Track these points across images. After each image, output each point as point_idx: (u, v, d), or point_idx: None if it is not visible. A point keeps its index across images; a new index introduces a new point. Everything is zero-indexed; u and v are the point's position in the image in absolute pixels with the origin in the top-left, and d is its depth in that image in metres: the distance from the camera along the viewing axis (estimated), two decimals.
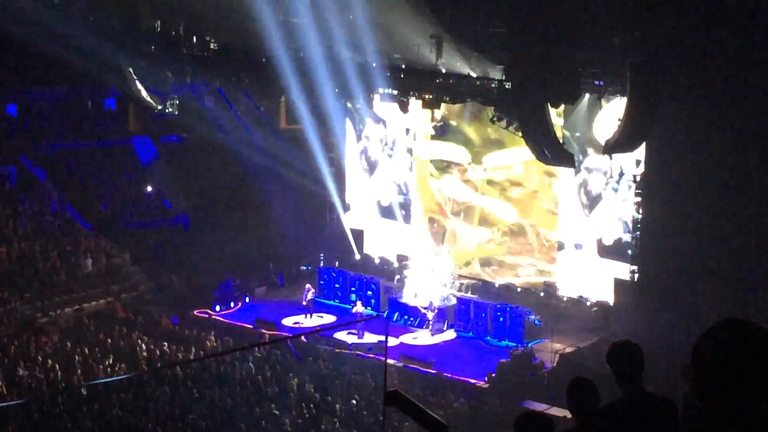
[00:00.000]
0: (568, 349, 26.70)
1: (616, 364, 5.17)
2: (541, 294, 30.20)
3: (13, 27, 29.92)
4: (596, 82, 24.31)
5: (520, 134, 25.96)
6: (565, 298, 29.94)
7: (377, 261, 34.42)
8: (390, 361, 25.85)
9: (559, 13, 22.24)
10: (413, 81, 27.71)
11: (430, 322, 29.17)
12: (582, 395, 5.42)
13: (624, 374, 5.15)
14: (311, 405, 22.93)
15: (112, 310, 30.91)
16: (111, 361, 25.89)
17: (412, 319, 29.90)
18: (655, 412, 5.11)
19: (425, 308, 29.45)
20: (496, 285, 31.27)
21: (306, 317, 30.65)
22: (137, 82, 32.31)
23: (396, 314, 30.45)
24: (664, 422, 5.05)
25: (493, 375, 25.56)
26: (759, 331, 2.45)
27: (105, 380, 24.09)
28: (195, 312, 31.05)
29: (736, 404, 2.44)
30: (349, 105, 33.97)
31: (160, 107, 35.07)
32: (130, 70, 31.76)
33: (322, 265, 34.00)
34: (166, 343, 27.28)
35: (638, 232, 28.00)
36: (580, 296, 29.63)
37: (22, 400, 22.84)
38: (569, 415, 5.64)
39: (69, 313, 30.60)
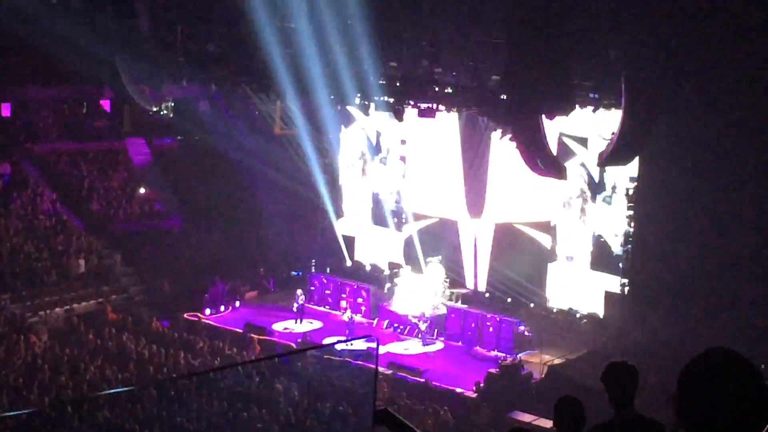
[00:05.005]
0: (557, 361, 26.74)
1: (613, 384, 5.10)
2: (531, 305, 30.21)
3: (9, 25, 29.87)
4: (591, 95, 24.32)
5: (514, 144, 25.99)
6: (555, 310, 29.96)
7: (368, 268, 34.40)
8: (378, 368, 25.81)
9: (555, 25, 22.26)
10: (408, 89, 27.73)
11: (422, 332, 29.13)
12: (569, 414, 5.44)
13: (619, 395, 5.09)
14: (299, 410, 22.88)
15: (102, 311, 30.85)
16: (100, 363, 25.82)
17: (401, 327, 29.88)
18: None
19: (417, 318, 29.42)
20: (486, 295, 31.30)
21: (296, 323, 30.65)
22: (132, 83, 32.23)
23: (386, 322, 30.45)
24: None
25: (482, 385, 25.55)
26: (743, 361, 2.47)
27: (109, 392, 23.91)
28: (185, 315, 31.00)
29: None
30: (342, 110, 33.93)
31: (155, 109, 35.04)
32: (126, 70, 31.70)
33: (313, 271, 33.98)
34: (155, 346, 27.23)
35: (630, 246, 28.07)
36: (570, 308, 29.65)
37: (12, 414, 22.67)
38: None
39: (59, 313, 30.53)
